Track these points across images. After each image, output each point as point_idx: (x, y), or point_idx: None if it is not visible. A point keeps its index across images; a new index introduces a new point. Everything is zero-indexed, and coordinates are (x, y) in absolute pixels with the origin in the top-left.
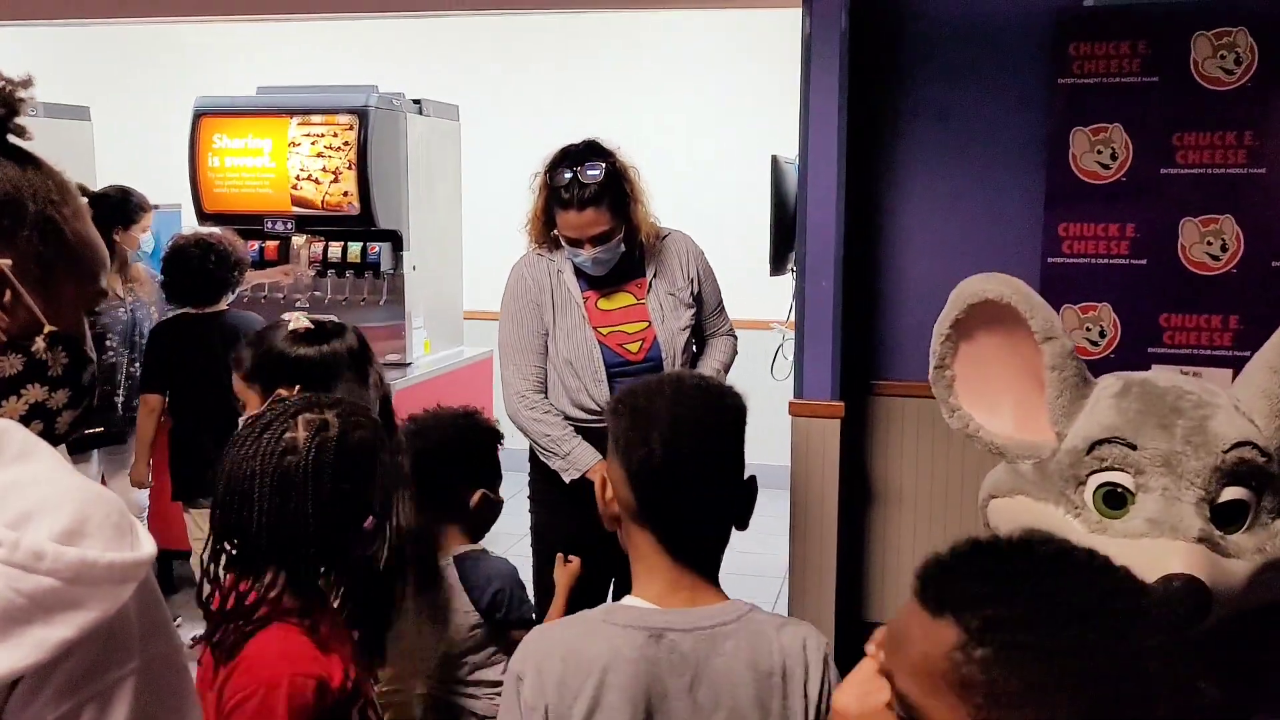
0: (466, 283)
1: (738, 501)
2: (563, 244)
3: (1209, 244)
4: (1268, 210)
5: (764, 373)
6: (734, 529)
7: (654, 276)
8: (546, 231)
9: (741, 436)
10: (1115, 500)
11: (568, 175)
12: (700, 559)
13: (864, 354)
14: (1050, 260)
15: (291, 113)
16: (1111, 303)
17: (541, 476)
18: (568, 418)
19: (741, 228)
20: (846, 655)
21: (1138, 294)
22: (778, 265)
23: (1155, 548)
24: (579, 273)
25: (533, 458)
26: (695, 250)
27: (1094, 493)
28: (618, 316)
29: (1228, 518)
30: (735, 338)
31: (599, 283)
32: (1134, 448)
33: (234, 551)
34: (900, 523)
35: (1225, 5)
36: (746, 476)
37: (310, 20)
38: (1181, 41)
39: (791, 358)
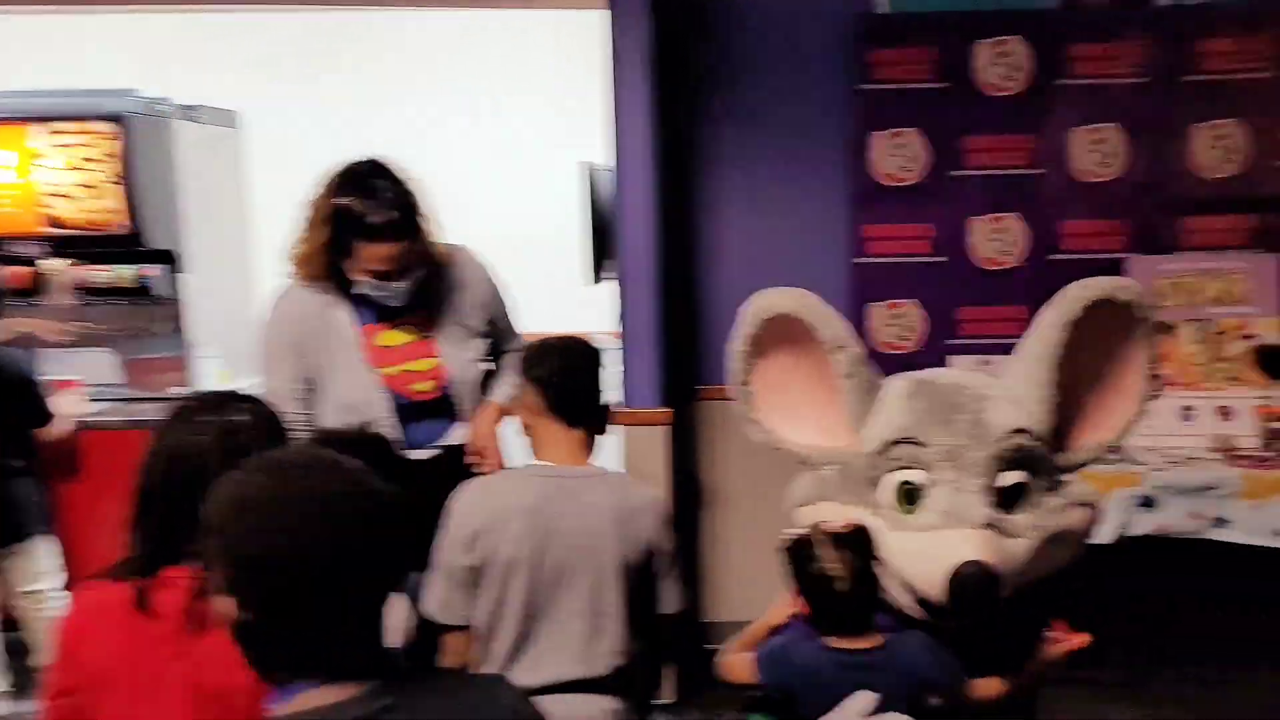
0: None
1: (599, 407)
2: (353, 279)
3: (998, 241)
4: (1047, 208)
5: None
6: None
7: (439, 309)
8: (324, 269)
9: (598, 362)
10: (911, 496)
11: (370, 202)
12: (585, 432)
13: (688, 360)
14: (857, 261)
15: (34, 119)
16: (916, 299)
17: None
18: None
19: (558, 237)
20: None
21: (938, 290)
22: (596, 274)
23: (948, 539)
24: (359, 305)
25: None
26: (481, 273)
27: (891, 491)
28: (401, 354)
29: (1009, 500)
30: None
31: (380, 317)
32: (922, 445)
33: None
34: (730, 523)
35: (1001, 15)
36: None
37: (54, 13)
38: (965, 49)
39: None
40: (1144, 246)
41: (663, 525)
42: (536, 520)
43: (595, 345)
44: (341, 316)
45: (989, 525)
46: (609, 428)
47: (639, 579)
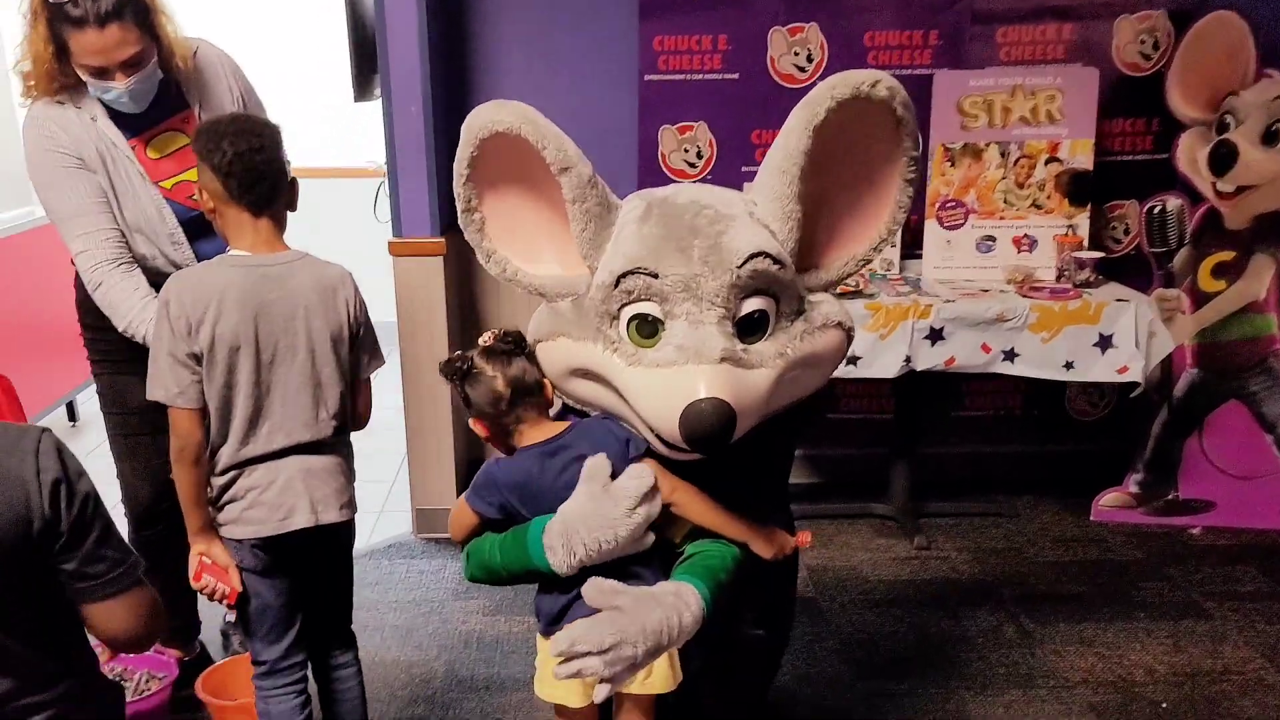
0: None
1: (283, 189)
2: (85, 80)
3: (796, 54)
4: (851, 17)
5: (367, 219)
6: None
7: (200, 107)
8: (60, 71)
9: (277, 139)
10: (647, 329)
11: None
12: (271, 219)
13: None
14: (647, 78)
15: None
16: (707, 121)
17: (111, 337)
18: None
19: (320, 52)
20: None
21: (731, 111)
22: (361, 90)
23: (683, 375)
24: (115, 118)
25: (94, 320)
26: (230, 63)
27: (626, 325)
28: (175, 163)
29: (750, 328)
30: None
31: (138, 127)
32: (656, 276)
33: None
34: None
35: None
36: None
37: None
38: None
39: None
40: (952, 60)
41: (355, 296)
42: (247, 308)
43: (271, 122)
44: (106, 129)
45: (726, 359)
46: (298, 204)
47: (347, 350)
